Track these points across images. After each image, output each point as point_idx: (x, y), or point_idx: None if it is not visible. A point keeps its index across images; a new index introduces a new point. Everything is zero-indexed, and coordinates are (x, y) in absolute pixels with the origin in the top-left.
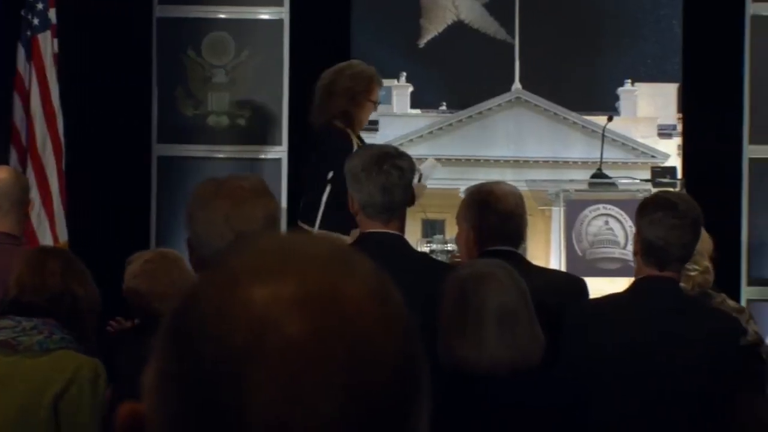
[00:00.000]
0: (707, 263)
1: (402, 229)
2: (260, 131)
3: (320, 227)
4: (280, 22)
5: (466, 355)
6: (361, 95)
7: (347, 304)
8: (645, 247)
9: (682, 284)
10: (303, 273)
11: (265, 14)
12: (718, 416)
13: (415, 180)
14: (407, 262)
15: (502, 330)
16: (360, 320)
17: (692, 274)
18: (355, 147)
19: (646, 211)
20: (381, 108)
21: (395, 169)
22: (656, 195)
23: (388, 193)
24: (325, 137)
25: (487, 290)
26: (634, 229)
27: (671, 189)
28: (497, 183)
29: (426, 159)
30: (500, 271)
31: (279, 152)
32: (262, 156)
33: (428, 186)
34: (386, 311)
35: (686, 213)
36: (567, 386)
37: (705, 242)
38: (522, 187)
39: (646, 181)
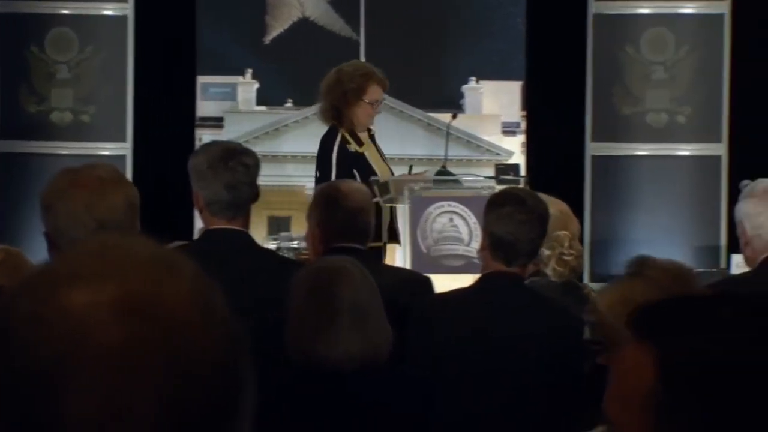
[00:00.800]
0: (580, 247)
1: (247, 225)
2: (104, 127)
3: None
4: (124, 18)
5: (319, 350)
6: (352, 93)
7: (168, 307)
8: (493, 243)
9: (558, 268)
10: (124, 277)
11: (108, 10)
12: (567, 413)
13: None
14: (254, 259)
15: (355, 325)
16: (181, 324)
17: (568, 258)
18: (337, 143)
19: (494, 206)
20: (226, 105)
21: (241, 165)
22: (504, 191)
23: (234, 190)
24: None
25: (339, 285)
26: (478, 226)
27: (516, 185)
28: (344, 180)
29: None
30: (351, 266)
31: (123, 148)
32: (107, 152)
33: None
34: (208, 314)
35: (534, 209)
36: (416, 383)
37: (575, 226)
38: None
39: (491, 178)
